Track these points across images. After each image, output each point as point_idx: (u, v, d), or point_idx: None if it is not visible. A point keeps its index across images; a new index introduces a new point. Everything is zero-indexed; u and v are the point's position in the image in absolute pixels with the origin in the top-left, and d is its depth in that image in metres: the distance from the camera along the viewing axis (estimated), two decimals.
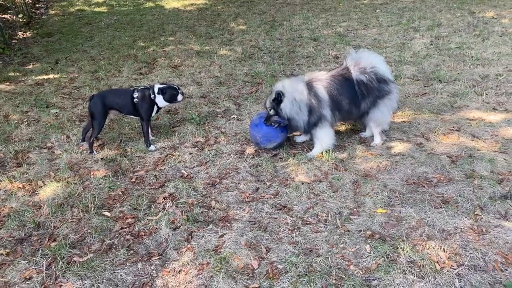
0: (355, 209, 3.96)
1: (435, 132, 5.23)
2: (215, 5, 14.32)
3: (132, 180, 4.63)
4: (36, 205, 4.25)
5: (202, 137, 5.48)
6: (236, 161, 4.90)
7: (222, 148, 5.18)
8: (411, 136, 5.21)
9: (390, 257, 3.34)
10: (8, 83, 7.89)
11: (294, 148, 5.15)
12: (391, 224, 3.75)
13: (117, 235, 3.79)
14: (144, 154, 5.15)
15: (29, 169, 4.90)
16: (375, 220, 3.79)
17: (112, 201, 4.28)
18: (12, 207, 4.22)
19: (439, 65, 7.61)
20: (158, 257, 3.51)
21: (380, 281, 3.13)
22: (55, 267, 3.41)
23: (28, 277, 3.35)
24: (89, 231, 3.84)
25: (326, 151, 4.84)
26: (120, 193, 4.40)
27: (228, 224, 3.84)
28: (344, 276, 3.19)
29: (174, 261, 3.45)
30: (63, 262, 3.45)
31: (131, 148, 5.28)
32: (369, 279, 3.16)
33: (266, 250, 3.50)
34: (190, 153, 5.11)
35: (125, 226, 3.90)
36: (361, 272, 3.23)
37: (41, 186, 4.53)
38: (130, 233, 3.81)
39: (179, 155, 5.06)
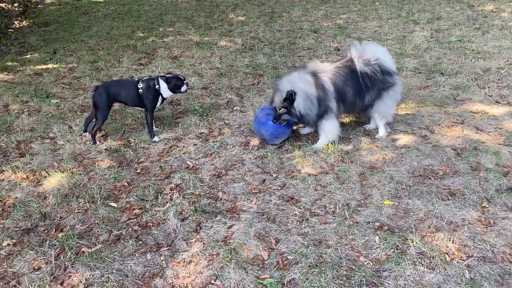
0: (362, 201, 3.97)
1: (439, 124, 5.24)
2: None
3: (138, 171, 4.60)
4: (41, 195, 4.22)
5: (206, 129, 5.46)
6: (241, 152, 4.88)
7: (227, 140, 5.16)
8: (416, 129, 5.22)
9: (400, 249, 3.36)
10: (6, 73, 7.80)
11: (299, 140, 5.15)
12: (399, 215, 3.76)
13: (124, 226, 3.77)
14: (148, 145, 5.12)
15: (32, 159, 4.85)
16: (383, 212, 3.80)
17: (118, 192, 4.25)
18: (17, 198, 4.18)
19: (440, 58, 7.62)
20: (167, 247, 3.50)
21: (391, 272, 3.15)
22: (63, 258, 3.39)
23: (37, 267, 3.32)
24: (96, 221, 3.82)
25: (332, 143, 4.84)
26: (126, 183, 4.38)
27: (236, 215, 3.83)
28: (355, 267, 3.20)
29: (184, 251, 3.44)
30: (71, 253, 3.43)
31: (134, 139, 5.24)
32: (380, 270, 3.18)
33: (276, 241, 3.51)
34: (195, 145, 5.08)
35: (133, 216, 3.88)
36: (371, 263, 3.24)
37: (45, 177, 4.49)
38: (138, 224, 3.79)
39: (183, 146, 5.04)
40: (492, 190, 3.99)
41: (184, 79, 5.23)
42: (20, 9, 12.29)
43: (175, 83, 5.15)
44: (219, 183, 4.34)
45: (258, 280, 3.13)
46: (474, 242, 3.40)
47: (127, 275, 3.25)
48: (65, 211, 3.97)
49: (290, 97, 4.59)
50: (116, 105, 5.33)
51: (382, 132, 5.08)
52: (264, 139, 5.00)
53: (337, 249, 3.38)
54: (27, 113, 6.06)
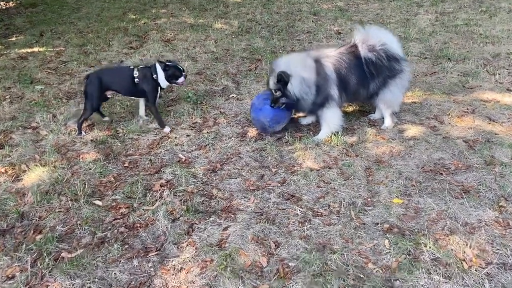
0: (369, 199, 3.65)
1: (449, 114, 4.90)
2: None
3: (125, 165, 4.26)
4: (20, 192, 3.87)
5: (200, 118, 5.10)
6: (238, 144, 4.54)
7: (222, 130, 4.81)
8: (424, 119, 4.88)
9: (412, 254, 3.05)
10: None
11: (300, 131, 4.81)
12: (410, 216, 3.45)
13: (109, 227, 3.44)
14: (138, 136, 4.77)
15: (11, 151, 4.49)
16: (392, 212, 3.49)
17: (104, 188, 3.92)
18: None
19: (446, 42, 7.24)
20: (156, 252, 3.18)
21: (403, 282, 2.84)
22: (41, 264, 3.06)
23: (10, 275, 3.00)
24: (78, 222, 3.49)
25: (335, 134, 4.50)
26: (112, 179, 4.04)
27: (232, 215, 3.51)
28: (363, 276, 2.90)
29: (174, 257, 3.12)
30: (50, 259, 3.10)
31: (123, 129, 4.88)
32: (391, 280, 2.87)
33: (275, 245, 3.19)
34: (188, 136, 4.74)
35: (119, 216, 3.55)
36: (381, 271, 2.94)
37: (25, 171, 4.14)
38: (124, 225, 3.46)
39: (175, 138, 4.69)
40: (510, 187, 3.67)
41: (183, 70, 4.85)
42: None
43: (173, 73, 4.74)
44: (214, 178, 4.01)
45: None
46: (492, 247, 3.10)
47: (111, 285, 2.93)
48: (45, 210, 3.63)
49: (282, 79, 4.24)
50: (109, 94, 4.97)
51: (388, 122, 4.74)
52: (264, 127, 4.64)
53: (343, 254, 3.07)
54: (9, 100, 5.68)
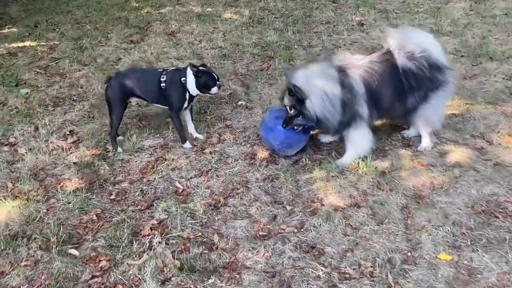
0: (409, 254, 2.91)
1: (498, 132, 4.11)
2: None
3: (112, 197, 3.57)
4: None
5: (203, 133, 4.38)
6: (246, 169, 3.82)
7: (228, 150, 4.09)
8: (468, 137, 4.09)
9: None
10: None
11: (319, 150, 4.06)
12: (462, 280, 2.71)
13: None
14: (129, 156, 4.07)
15: None
16: (440, 273, 2.75)
17: (83, 230, 3.24)
18: None
19: (485, 37, 6.35)
20: None
21: None
22: None
23: None
24: (47, 282, 2.81)
25: (363, 159, 3.75)
26: (95, 217, 3.36)
27: (237, 276, 2.81)
28: None
29: None
30: None
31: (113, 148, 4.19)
32: None
33: None
34: (187, 157, 4.03)
35: (97, 273, 2.87)
36: None
37: None
38: (103, 286, 2.79)
39: (172, 160, 3.98)
40: None
41: (218, 79, 4.09)
42: None
43: (205, 81, 3.99)
44: (216, 218, 3.30)
45: None
46: None
47: None
48: (9, 263, 2.97)
49: (297, 94, 3.50)
50: (134, 101, 4.32)
51: (426, 142, 3.97)
52: (274, 150, 3.93)
53: None
54: None
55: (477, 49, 5.95)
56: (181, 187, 3.64)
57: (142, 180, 3.76)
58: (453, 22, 6.97)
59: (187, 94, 4.06)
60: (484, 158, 3.79)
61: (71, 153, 4.13)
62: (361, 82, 3.59)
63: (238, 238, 3.10)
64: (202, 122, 4.58)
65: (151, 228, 3.20)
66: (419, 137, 4.07)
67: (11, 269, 2.91)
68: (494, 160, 3.75)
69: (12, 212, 3.38)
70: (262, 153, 4.01)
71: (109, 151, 4.16)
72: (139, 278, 2.81)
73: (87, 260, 2.98)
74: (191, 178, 3.76)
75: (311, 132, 4.02)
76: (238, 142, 4.23)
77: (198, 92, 4.07)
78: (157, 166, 3.92)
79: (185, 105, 4.12)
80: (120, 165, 3.97)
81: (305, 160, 3.89)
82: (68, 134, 4.40)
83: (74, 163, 3.97)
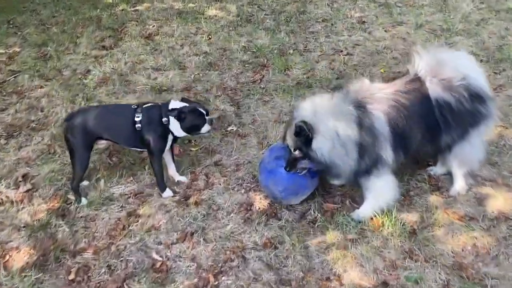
0: None
1: None
2: None
3: (71, 277, 2.79)
4: None
5: (187, 174, 3.60)
6: (241, 228, 3.06)
7: (217, 200, 3.32)
8: (507, 175, 3.36)
9: None
10: None
11: (330, 196, 3.31)
12: None
13: None
14: (95, 211, 3.28)
15: None
16: None
17: None
18: None
19: (504, 37, 5.57)
20: None
21: None
22: None
23: None
24: None
25: (387, 215, 3.00)
26: None
27: None
28: None
29: None
30: None
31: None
32: None
33: None
34: (167, 211, 3.25)
35: None
36: None
37: None
38: None
39: (149, 216, 3.20)
40: None
41: (207, 113, 3.30)
42: None
43: (192, 121, 3.23)
44: None
45: None
46: None
47: None
48: None
49: (303, 133, 2.74)
50: (102, 143, 3.51)
51: (460, 186, 3.24)
52: (276, 198, 3.18)
53: None
54: None
55: (496, 53, 5.19)
56: (159, 259, 2.87)
57: (110, 248, 2.98)
58: (464, 18, 6.17)
59: (170, 137, 3.27)
60: None
61: (22, 208, 3.32)
62: (385, 120, 2.82)
63: None
64: (186, 156, 3.79)
65: None
66: (448, 175, 3.33)
67: None
68: None
69: None
70: (260, 203, 3.26)
71: (70, 203, 3.37)
72: None
73: None
74: (171, 244, 2.98)
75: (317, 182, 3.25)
76: (230, 186, 3.45)
77: (186, 134, 3.30)
78: (129, 226, 3.14)
79: (167, 147, 3.34)
80: (83, 225, 3.18)
81: (314, 212, 3.14)
82: (20, 181, 3.59)
83: (25, 225, 3.17)
